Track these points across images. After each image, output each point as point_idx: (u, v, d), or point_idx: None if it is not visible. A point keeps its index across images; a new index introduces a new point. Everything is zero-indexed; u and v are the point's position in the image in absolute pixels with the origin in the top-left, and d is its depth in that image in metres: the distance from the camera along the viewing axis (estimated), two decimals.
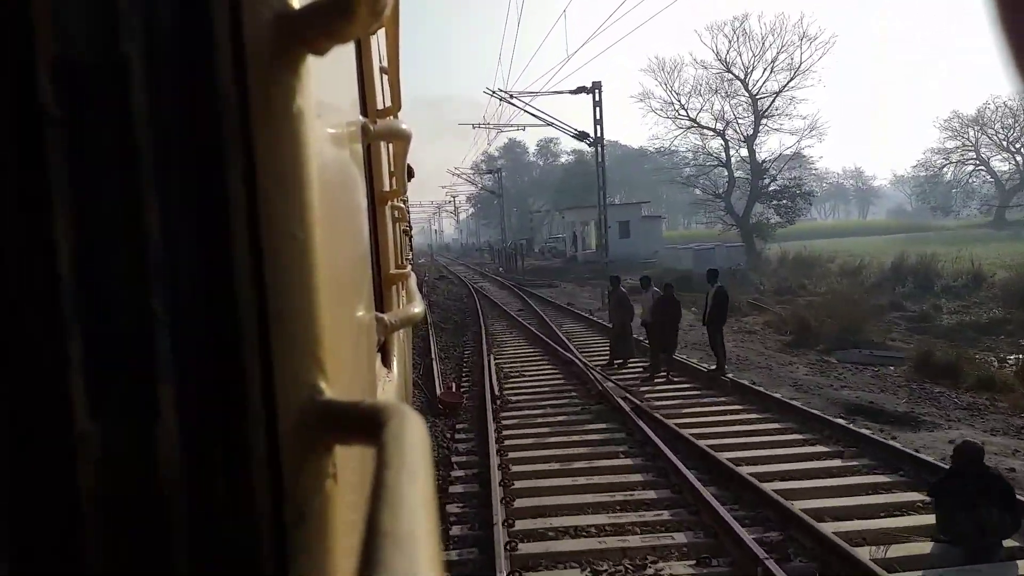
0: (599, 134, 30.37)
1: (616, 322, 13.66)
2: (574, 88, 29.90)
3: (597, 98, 29.75)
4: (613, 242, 42.62)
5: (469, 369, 14.00)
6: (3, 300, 0.42)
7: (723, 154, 47.32)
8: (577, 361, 13.14)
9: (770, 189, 44.29)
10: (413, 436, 0.43)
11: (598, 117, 30.08)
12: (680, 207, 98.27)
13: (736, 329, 17.73)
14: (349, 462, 0.54)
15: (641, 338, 13.73)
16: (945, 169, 77.14)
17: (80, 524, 0.43)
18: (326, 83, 0.56)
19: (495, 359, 14.31)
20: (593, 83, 30.00)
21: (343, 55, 0.71)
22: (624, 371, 12.90)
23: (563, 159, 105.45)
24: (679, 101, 48.65)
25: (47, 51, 0.42)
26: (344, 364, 0.58)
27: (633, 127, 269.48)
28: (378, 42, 2.11)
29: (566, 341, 15.50)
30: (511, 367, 13.75)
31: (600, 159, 30.15)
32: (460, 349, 16.48)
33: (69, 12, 0.42)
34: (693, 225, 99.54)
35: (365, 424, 0.46)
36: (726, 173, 47.05)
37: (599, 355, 14.27)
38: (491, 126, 41.41)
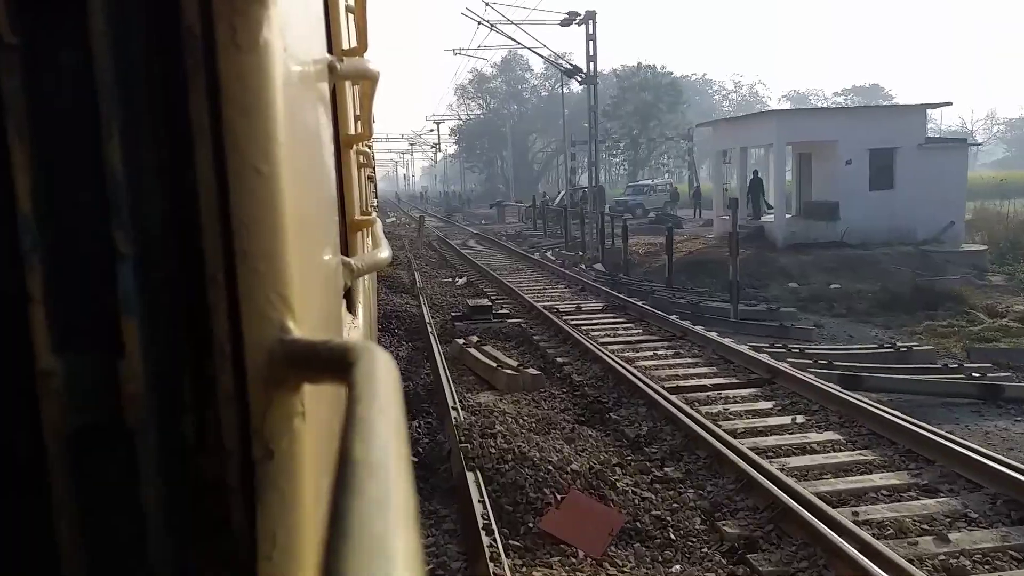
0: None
1: None
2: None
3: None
4: (854, 194, 20.17)
5: None
6: None
7: None
8: None
9: None
10: (384, 373, 0.43)
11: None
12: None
13: None
14: (319, 401, 0.54)
15: None
16: None
17: (45, 460, 0.43)
18: (293, 17, 0.54)
19: None
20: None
21: None
22: None
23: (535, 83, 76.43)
24: None
25: None
26: (312, 304, 0.57)
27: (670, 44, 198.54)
28: None
29: None
30: None
31: None
32: None
33: None
34: None
35: (335, 363, 0.46)
36: None
37: None
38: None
